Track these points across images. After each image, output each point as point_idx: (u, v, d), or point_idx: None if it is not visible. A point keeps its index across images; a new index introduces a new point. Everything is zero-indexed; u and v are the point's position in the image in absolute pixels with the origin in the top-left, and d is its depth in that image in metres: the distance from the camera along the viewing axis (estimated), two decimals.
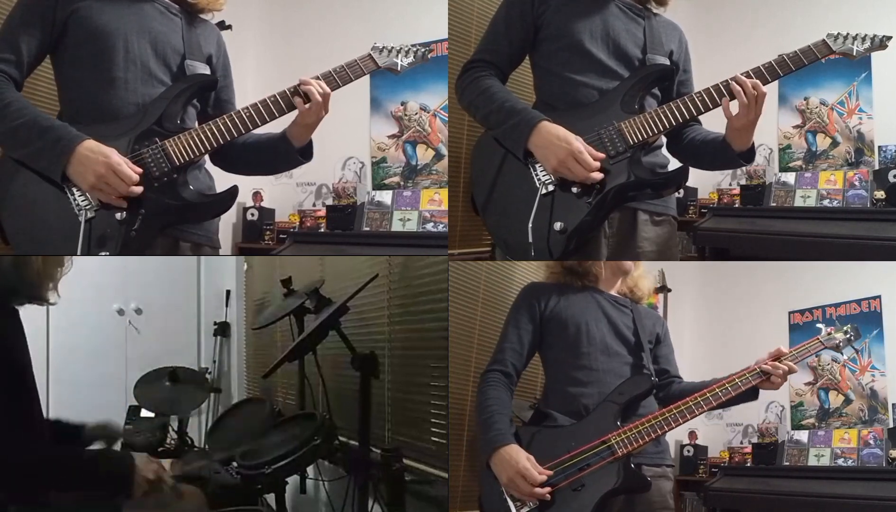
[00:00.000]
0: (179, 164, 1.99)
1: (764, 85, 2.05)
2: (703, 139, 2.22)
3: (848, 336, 2.24)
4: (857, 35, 2.08)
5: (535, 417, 2.20)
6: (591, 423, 2.06)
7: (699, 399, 2.08)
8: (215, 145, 2.03)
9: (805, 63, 2.07)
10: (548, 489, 1.96)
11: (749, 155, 2.16)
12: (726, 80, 2.06)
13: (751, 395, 2.15)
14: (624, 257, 2.20)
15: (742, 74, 2.05)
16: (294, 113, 2.08)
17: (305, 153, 2.18)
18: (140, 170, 1.95)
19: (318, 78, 2.05)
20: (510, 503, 1.99)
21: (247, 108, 2.05)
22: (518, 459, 1.98)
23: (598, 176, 2.02)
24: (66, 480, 1.83)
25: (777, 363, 2.11)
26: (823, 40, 2.09)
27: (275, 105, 2.05)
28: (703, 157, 2.21)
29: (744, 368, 2.13)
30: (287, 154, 2.16)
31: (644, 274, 2.34)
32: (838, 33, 2.08)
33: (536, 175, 2.08)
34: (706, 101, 2.07)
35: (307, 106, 2.03)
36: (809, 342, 2.20)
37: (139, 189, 1.94)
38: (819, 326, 2.28)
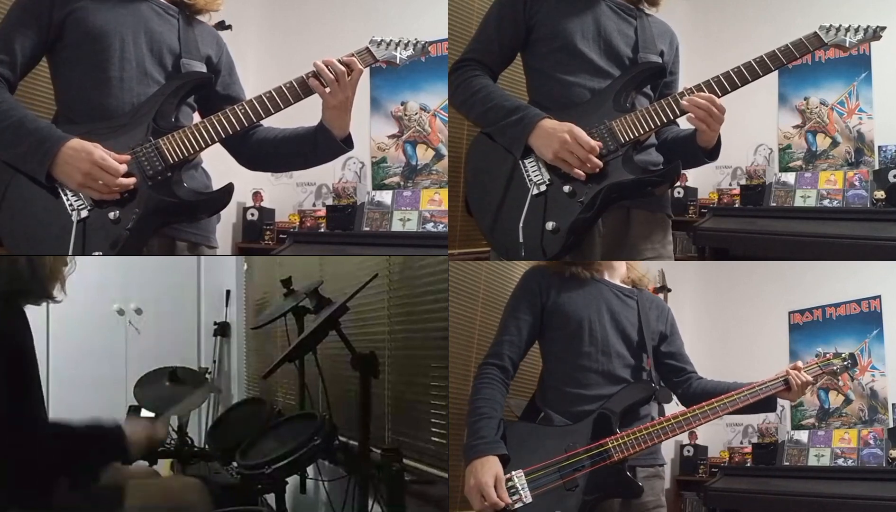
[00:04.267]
0: (173, 163, 1.98)
1: (757, 79, 2.05)
2: (674, 137, 2.23)
3: (845, 363, 2.31)
4: (849, 26, 2.07)
5: (529, 412, 2.19)
6: (590, 425, 2.06)
7: (697, 412, 2.09)
8: (209, 143, 2.02)
9: (797, 56, 2.06)
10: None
11: (713, 153, 2.16)
12: (682, 92, 2.07)
13: (768, 405, 2.19)
14: (619, 256, 2.19)
15: (734, 69, 2.05)
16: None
17: (347, 141, 2.16)
18: (126, 157, 1.94)
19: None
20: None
21: (241, 104, 2.04)
22: (483, 473, 1.95)
23: (597, 162, 2.02)
24: (64, 458, 1.87)
25: (798, 373, 2.16)
26: (815, 32, 2.08)
27: (270, 101, 2.04)
28: (675, 154, 2.20)
29: (750, 382, 2.17)
30: (328, 143, 2.13)
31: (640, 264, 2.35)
32: (830, 25, 2.07)
33: (528, 175, 2.08)
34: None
35: (324, 88, 2.03)
36: (808, 366, 2.24)
37: (129, 180, 1.94)
38: (819, 349, 2.34)
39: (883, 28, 2.09)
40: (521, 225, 2.06)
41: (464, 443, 2.08)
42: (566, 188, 2.05)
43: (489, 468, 1.97)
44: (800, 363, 2.23)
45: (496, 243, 2.15)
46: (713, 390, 2.17)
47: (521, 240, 2.05)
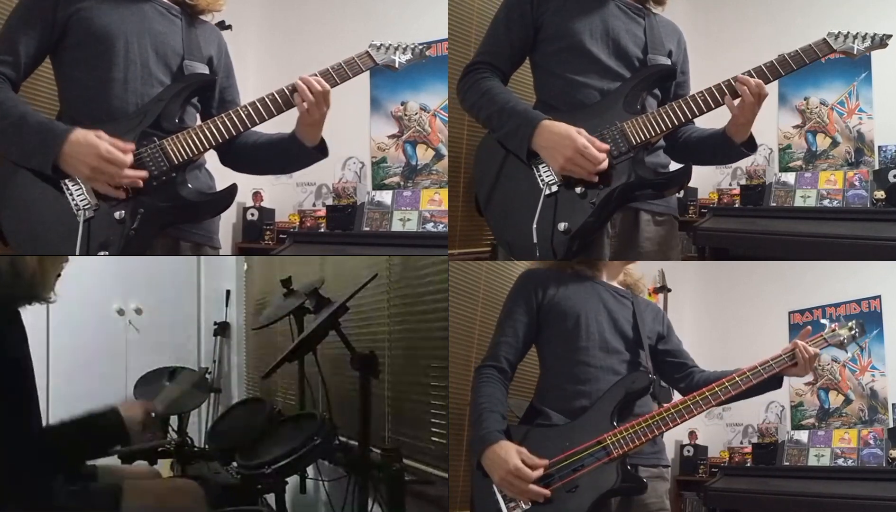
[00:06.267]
0: (178, 164, 1.99)
1: (766, 84, 2.06)
2: (700, 136, 2.23)
3: (853, 332, 2.21)
4: (857, 34, 2.09)
5: (528, 414, 2.18)
6: (587, 422, 2.03)
7: (698, 398, 2.06)
8: (213, 144, 2.03)
9: (806, 62, 2.08)
10: (547, 491, 1.94)
11: (751, 144, 2.17)
12: (728, 80, 2.07)
13: (774, 383, 2.13)
14: (626, 257, 2.20)
15: (744, 73, 2.06)
16: (295, 111, 2.08)
17: (322, 149, 2.17)
18: (132, 146, 1.94)
19: (316, 75, 2.05)
20: (501, 503, 1.97)
21: (245, 106, 2.05)
22: (509, 457, 1.95)
23: (605, 165, 2.02)
24: (68, 455, 1.87)
25: (805, 345, 2.09)
26: (824, 39, 2.09)
27: (273, 103, 2.04)
28: (704, 153, 2.21)
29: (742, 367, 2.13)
30: (300, 153, 2.14)
31: (637, 268, 2.35)
32: (839, 32, 2.09)
33: (540, 176, 2.08)
34: (708, 100, 2.07)
35: (304, 105, 2.03)
36: (814, 339, 2.16)
37: (137, 173, 1.93)
38: (823, 321, 2.27)
39: (889, 36, 2.11)
40: (534, 226, 2.06)
41: (470, 440, 2.06)
42: (578, 189, 2.05)
43: (507, 450, 1.96)
44: (805, 335, 2.14)
45: (508, 244, 2.15)
46: (715, 380, 2.12)
47: (535, 240, 2.05)
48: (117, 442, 1.98)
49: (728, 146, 2.15)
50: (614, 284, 2.26)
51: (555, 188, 2.06)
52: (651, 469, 2.11)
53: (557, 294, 2.19)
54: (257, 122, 2.05)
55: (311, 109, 2.03)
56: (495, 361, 2.16)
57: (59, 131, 1.92)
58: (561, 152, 2.03)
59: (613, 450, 1.99)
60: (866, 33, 2.10)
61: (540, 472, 1.95)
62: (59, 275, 1.98)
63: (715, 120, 2.16)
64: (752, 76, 2.05)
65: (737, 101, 2.05)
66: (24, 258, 1.92)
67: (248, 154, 2.20)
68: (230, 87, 2.25)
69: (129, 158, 1.93)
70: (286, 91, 2.05)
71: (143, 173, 1.95)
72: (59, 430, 1.94)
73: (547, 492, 1.94)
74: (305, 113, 2.04)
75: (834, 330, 2.22)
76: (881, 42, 2.10)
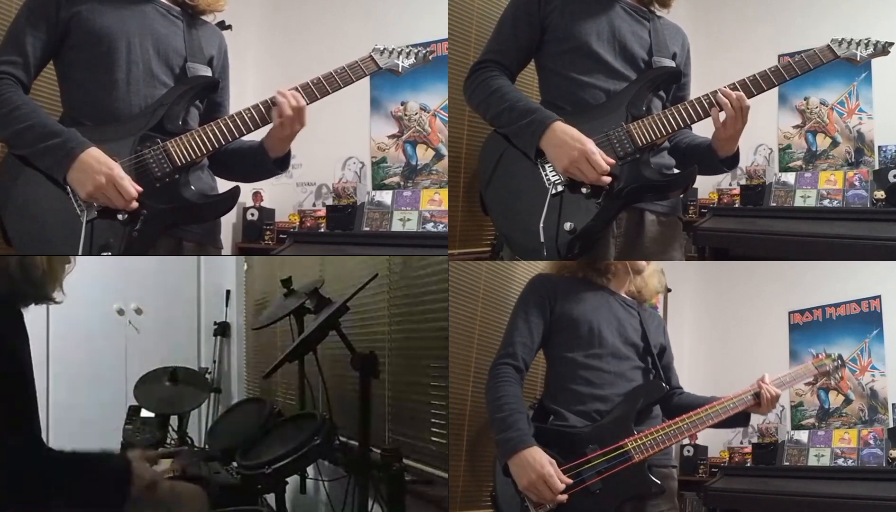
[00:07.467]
0: (181, 165, 1.99)
1: (773, 88, 2.07)
2: (688, 144, 2.24)
3: (836, 364, 2.49)
4: (860, 40, 2.12)
5: (539, 413, 2.19)
6: (608, 427, 2.07)
7: (709, 411, 2.14)
8: (217, 146, 2.03)
9: (811, 67, 2.11)
10: (565, 497, 1.98)
11: (732, 161, 2.18)
12: (714, 92, 2.08)
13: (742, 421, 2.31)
14: (631, 257, 2.21)
15: (749, 78, 2.06)
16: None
17: (282, 163, 2.17)
18: (140, 189, 1.94)
19: (300, 87, 2.05)
20: (529, 506, 1.99)
21: (248, 109, 2.05)
22: (542, 463, 1.98)
23: (607, 180, 2.03)
24: (67, 485, 1.83)
25: (767, 386, 2.27)
26: (828, 45, 2.13)
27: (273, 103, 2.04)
28: (689, 161, 2.21)
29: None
30: (262, 164, 2.16)
31: (653, 272, 2.34)
32: (842, 39, 2.12)
33: (546, 175, 2.08)
34: (714, 103, 2.08)
35: (279, 120, 2.03)
36: (805, 367, 2.39)
37: (135, 205, 1.94)
38: (811, 351, 2.46)
39: (891, 43, 2.14)
40: (541, 225, 2.06)
41: (496, 436, 2.07)
42: (584, 189, 2.05)
43: (541, 457, 1.99)
44: (766, 376, 2.31)
45: (514, 243, 2.15)
46: (694, 403, 2.21)
47: (542, 240, 2.06)
48: (115, 489, 1.91)
49: (710, 159, 2.16)
50: (622, 293, 2.28)
51: (561, 188, 2.07)
52: (662, 469, 2.14)
53: (569, 301, 2.21)
54: (260, 124, 2.05)
55: (284, 124, 2.03)
56: (513, 358, 2.16)
57: (80, 141, 1.92)
58: (568, 153, 2.03)
59: (635, 455, 2.03)
60: (868, 40, 2.13)
61: (565, 484, 1.98)
62: (65, 273, 1.98)
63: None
64: (756, 80, 2.06)
65: (721, 115, 2.06)
66: (34, 257, 1.91)
67: (222, 160, 2.19)
68: (223, 88, 2.24)
69: (135, 194, 1.93)
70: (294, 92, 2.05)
71: (136, 206, 1.94)
72: (62, 459, 1.91)
73: (564, 498, 1.98)
74: (279, 126, 2.04)
75: (821, 360, 2.47)
76: (883, 49, 2.14)
